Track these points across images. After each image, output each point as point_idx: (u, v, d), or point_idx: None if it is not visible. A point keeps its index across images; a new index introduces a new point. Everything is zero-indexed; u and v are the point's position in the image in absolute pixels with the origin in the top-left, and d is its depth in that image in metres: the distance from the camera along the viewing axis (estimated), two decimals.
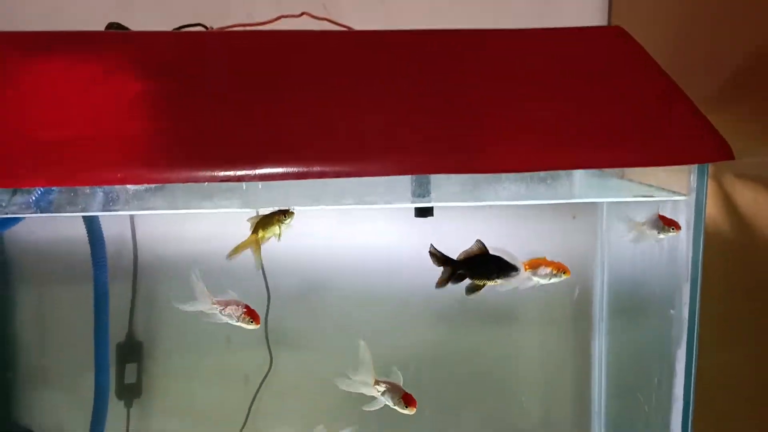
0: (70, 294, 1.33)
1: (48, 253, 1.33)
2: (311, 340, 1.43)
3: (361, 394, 1.08)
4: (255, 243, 1.00)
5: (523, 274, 1.01)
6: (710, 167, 0.95)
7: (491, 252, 0.98)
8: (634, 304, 1.21)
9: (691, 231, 0.94)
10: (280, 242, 1.37)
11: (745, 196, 1.10)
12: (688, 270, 0.95)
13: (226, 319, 1.06)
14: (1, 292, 1.35)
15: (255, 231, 1.00)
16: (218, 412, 1.43)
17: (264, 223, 0.99)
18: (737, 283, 1.16)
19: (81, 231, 1.22)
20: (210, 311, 1.05)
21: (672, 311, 0.98)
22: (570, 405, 1.48)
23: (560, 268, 1.02)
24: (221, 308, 1.06)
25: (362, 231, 1.41)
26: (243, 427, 1.42)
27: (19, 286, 1.36)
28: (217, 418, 1.43)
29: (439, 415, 1.46)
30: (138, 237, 1.37)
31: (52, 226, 1.31)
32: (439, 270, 1.00)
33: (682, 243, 0.97)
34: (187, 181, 0.81)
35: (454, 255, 1.37)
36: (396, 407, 1.08)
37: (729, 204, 1.14)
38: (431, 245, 0.98)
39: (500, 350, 1.47)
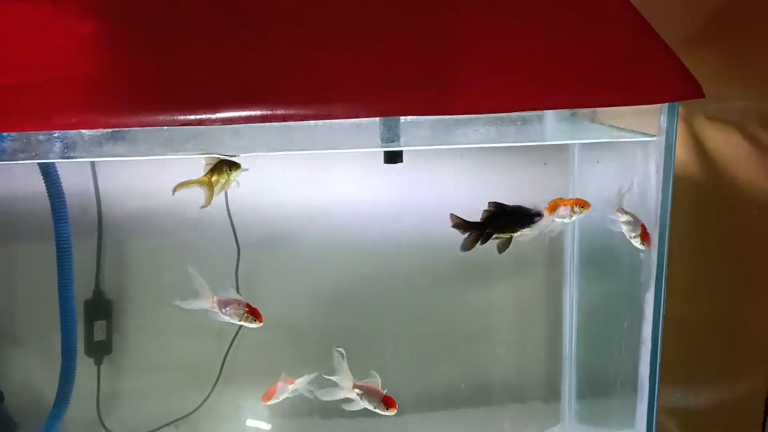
0: (36, 251, 1.29)
1: (10, 209, 1.29)
2: (283, 294, 1.41)
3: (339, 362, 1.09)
4: (204, 184, 0.99)
5: (546, 218, 1.02)
6: (682, 110, 0.95)
7: (510, 206, 1.01)
8: (606, 250, 1.21)
9: (661, 174, 0.93)
10: (241, 192, 1.35)
11: (716, 138, 1.10)
12: (657, 213, 0.95)
13: (227, 319, 1.06)
14: None
15: (209, 173, 0.99)
16: (191, 368, 1.42)
17: (218, 168, 0.97)
18: (708, 225, 1.17)
19: (40, 184, 1.18)
20: (212, 309, 1.04)
21: (641, 254, 0.98)
22: (543, 350, 1.50)
23: (578, 203, 1.02)
24: (223, 307, 1.04)
25: (334, 180, 1.39)
26: (216, 382, 1.41)
27: None
28: (190, 373, 1.42)
29: (413, 363, 1.47)
30: (102, 191, 1.33)
31: (8, 179, 1.27)
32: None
33: (652, 187, 0.97)
34: (146, 126, 0.78)
35: (429, 206, 1.37)
36: (377, 410, 1.09)
37: (700, 147, 1.14)
38: (452, 215, 1.00)
39: (474, 300, 1.47)
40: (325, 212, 1.39)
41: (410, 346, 1.47)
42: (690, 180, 1.17)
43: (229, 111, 0.80)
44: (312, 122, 0.87)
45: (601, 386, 1.29)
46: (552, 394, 1.49)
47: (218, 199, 1.24)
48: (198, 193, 1.32)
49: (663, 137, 0.92)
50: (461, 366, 1.49)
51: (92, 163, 1.31)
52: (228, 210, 1.35)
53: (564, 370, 1.45)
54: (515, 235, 1.01)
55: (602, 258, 1.27)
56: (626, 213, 1.01)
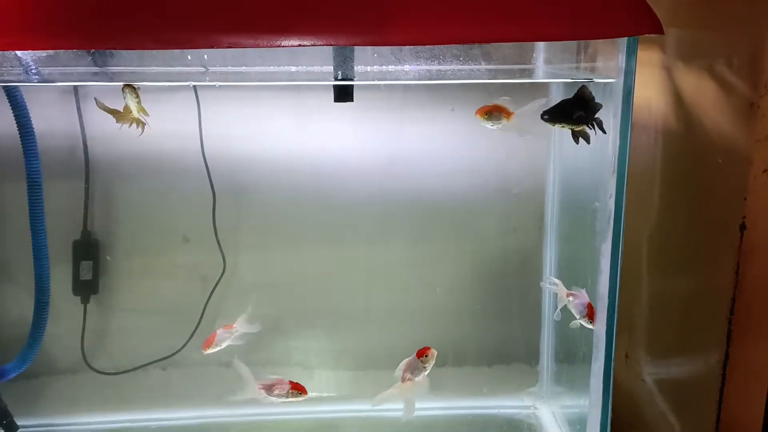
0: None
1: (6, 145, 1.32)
2: (263, 240, 1.42)
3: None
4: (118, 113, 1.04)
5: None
6: (655, 54, 0.90)
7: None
8: (579, 203, 1.17)
9: (618, 118, 0.89)
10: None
11: (689, 83, 1.05)
12: (615, 160, 0.91)
13: (275, 400, 1.11)
14: None
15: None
16: (175, 311, 1.45)
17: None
18: (677, 175, 1.12)
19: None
20: (259, 397, 1.10)
21: (597, 203, 0.94)
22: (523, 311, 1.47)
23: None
24: (269, 392, 1.11)
25: (321, 128, 1.38)
26: (198, 325, 1.43)
27: None
28: (174, 315, 1.45)
29: (393, 319, 1.46)
30: (88, 132, 1.36)
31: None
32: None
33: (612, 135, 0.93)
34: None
35: (419, 159, 1.36)
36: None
37: (672, 92, 1.08)
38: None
39: (459, 257, 1.45)
40: (308, 161, 1.38)
41: (388, 301, 1.46)
42: (664, 128, 1.12)
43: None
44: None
45: (575, 348, 1.26)
46: (533, 356, 1.47)
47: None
48: (186, 138, 1.35)
49: (621, 78, 0.87)
50: (444, 326, 1.48)
51: (78, 106, 1.34)
52: (203, 155, 1.36)
53: (543, 331, 1.42)
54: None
55: (576, 211, 1.24)
56: (573, 294, 1.03)
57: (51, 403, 1.41)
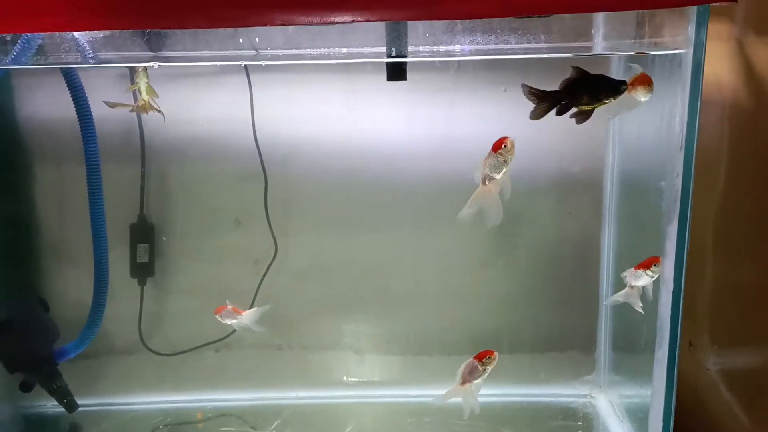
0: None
1: (61, 130, 1.35)
2: (314, 223, 1.42)
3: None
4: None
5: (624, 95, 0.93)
6: (724, 26, 0.85)
7: (592, 74, 0.92)
8: (641, 184, 1.13)
9: (687, 92, 0.84)
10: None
11: (761, 57, 0.99)
12: (683, 136, 0.86)
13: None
14: (16, 172, 1.39)
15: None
16: (229, 293, 1.46)
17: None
18: (747, 155, 1.06)
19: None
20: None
21: (662, 183, 0.90)
22: (580, 301, 1.43)
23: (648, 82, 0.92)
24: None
25: (371, 114, 1.36)
26: (251, 307, 1.44)
27: (33, 163, 1.40)
28: (227, 298, 1.46)
29: (446, 306, 1.44)
30: (144, 118, 1.37)
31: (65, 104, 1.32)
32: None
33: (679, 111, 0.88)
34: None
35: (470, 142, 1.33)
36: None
37: (743, 67, 1.02)
38: (523, 85, 0.93)
39: (511, 243, 1.42)
40: (359, 144, 1.37)
41: (440, 285, 1.44)
42: (732, 104, 1.06)
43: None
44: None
45: (636, 335, 1.22)
46: (590, 343, 1.42)
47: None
48: (238, 122, 1.36)
49: (690, 50, 0.82)
50: (497, 311, 1.45)
51: (134, 91, 1.35)
52: (255, 138, 1.36)
53: (600, 319, 1.38)
54: (595, 107, 0.92)
55: (638, 198, 1.19)
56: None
57: (109, 383, 1.45)
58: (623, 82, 0.89)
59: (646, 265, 0.99)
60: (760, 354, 1.10)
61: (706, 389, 1.24)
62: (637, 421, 1.24)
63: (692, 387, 1.26)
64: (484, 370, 1.05)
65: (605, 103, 0.91)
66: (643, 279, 1.00)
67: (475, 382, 1.06)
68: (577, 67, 0.90)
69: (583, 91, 0.91)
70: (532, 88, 0.91)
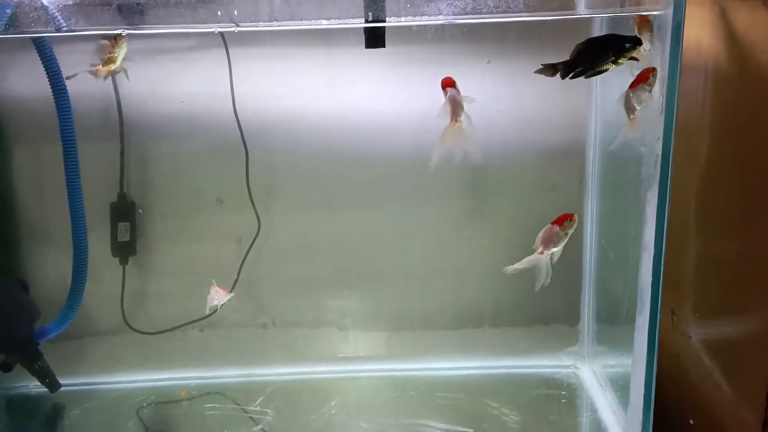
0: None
1: (37, 108, 1.33)
2: (297, 199, 1.41)
3: None
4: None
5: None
6: None
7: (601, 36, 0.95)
8: (623, 151, 1.12)
9: (667, 54, 0.83)
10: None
11: (743, 21, 0.98)
12: (663, 100, 0.85)
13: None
14: None
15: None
16: (212, 272, 1.45)
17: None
18: (729, 123, 1.06)
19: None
20: None
21: (642, 147, 0.89)
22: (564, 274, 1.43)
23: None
24: None
25: (352, 87, 1.35)
26: (233, 287, 1.43)
27: (9, 143, 1.37)
28: (210, 277, 1.45)
29: (431, 280, 1.44)
30: (122, 95, 1.35)
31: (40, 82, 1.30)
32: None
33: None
34: None
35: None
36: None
37: (724, 32, 1.02)
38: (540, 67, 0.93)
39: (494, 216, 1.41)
40: (341, 118, 1.36)
41: (423, 261, 1.44)
42: (713, 68, 1.05)
43: None
44: None
45: (618, 306, 1.22)
46: (574, 315, 1.43)
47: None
48: (217, 98, 1.34)
49: (670, 11, 0.81)
50: (480, 286, 1.45)
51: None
52: (236, 114, 1.34)
53: (584, 291, 1.38)
54: (612, 67, 0.93)
55: (620, 166, 1.18)
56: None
57: (93, 363, 1.44)
58: (636, 40, 0.90)
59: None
60: (743, 323, 1.10)
61: (688, 358, 1.25)
62: (619, 389, 1.25)
63: (674, 356, 1.26)
64: (566, 234, 1.02)
65: (620, 63, 0.92)
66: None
67: (555, 249, 1.03)
68: (587, 40, 0.91)
69: (593, 56, 0.92)
70: (543, 65, 0.92)
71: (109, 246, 1.41)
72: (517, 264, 1.04)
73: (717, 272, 1.18)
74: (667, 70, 0.85)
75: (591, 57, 0.92)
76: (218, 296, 1.25)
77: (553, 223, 1.02)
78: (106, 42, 1.09)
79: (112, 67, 1.10)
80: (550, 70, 0.93)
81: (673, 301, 1.28)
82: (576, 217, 1.01)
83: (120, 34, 1.04)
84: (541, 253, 1.02)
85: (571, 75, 0.93)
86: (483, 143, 1.35)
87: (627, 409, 1.12)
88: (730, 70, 1.06)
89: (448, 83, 1.01)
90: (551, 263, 1.03)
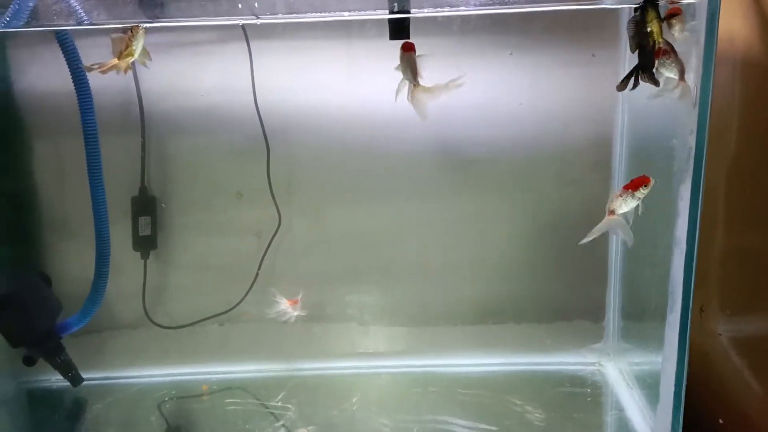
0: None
1: (59, 103, 1.32)
2: (317, 193, 1.40)
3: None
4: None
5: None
6: None
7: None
8: (651, 145, 1.10)
9: (701, 45, 0.81)
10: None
11: None
12: (697, 92, 0.83)
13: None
14: (14, 146, 1.37)
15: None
16: (233, 266, 1.45)
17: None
18: (761, 115, 1.03)
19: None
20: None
21: (674, 140, 0.87)
22: (588, 269, 1.41)
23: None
24: None
25: (372, 80, 1.33)
26: (253, 282, 1.43)
27: (31, 137, 1.37)
28: (231, 271, 1.45)
29: (454, 276, 1.42)
30: (143, 89, 1.35)
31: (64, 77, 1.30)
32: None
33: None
34: None
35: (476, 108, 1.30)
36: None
37: (757, 22, 0.99)
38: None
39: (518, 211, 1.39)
40: (361, 112, 1.34)
41: (444, 255, 1.42)
42: (748, 60, 1.02)
43: None
44: None
45: (645, 302, 1.20)
46: (598, 311, 1.41)
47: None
48: (238, 92, 1.33)
49: (705, 1, 0.79)
50: (501, 281, 1.43)
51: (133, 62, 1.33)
52: (257, 108, 1.33)
53: (609, 286, 1.36)
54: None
55: (648, 159, 1.16)
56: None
57: (115, 357, 1.44)
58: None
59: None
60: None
61: (717, 356, 1.22)
62: (646, 387, 1.23)
63: (703, 353, 1.24)
64: (638, 198, 0.98)
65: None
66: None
67: (624, 210, 1.00)
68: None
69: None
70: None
71: (131, 240, 1.41)
72: (593, 230, 1.02)
73: (745, 268, 1.16)
74: (702, 60, 0.83)
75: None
76: (288, 310, 1.27)
77: (626, 187, 0.98)
78: (122, 35, 1.08)
79: (130, 59, 1.08)
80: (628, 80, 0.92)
81: (701, 297, 1.25)
82: (652, 181, 0.96)
83: (137, 26, 1.03)
84: (612, 214, 0.98)
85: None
86: (506, 136, 1.34)
87: (654, 408, 1.09)
88: (761, 61, 1.03)
89: (409, 47, 1.00)
90: (629, 220, 0.99)
